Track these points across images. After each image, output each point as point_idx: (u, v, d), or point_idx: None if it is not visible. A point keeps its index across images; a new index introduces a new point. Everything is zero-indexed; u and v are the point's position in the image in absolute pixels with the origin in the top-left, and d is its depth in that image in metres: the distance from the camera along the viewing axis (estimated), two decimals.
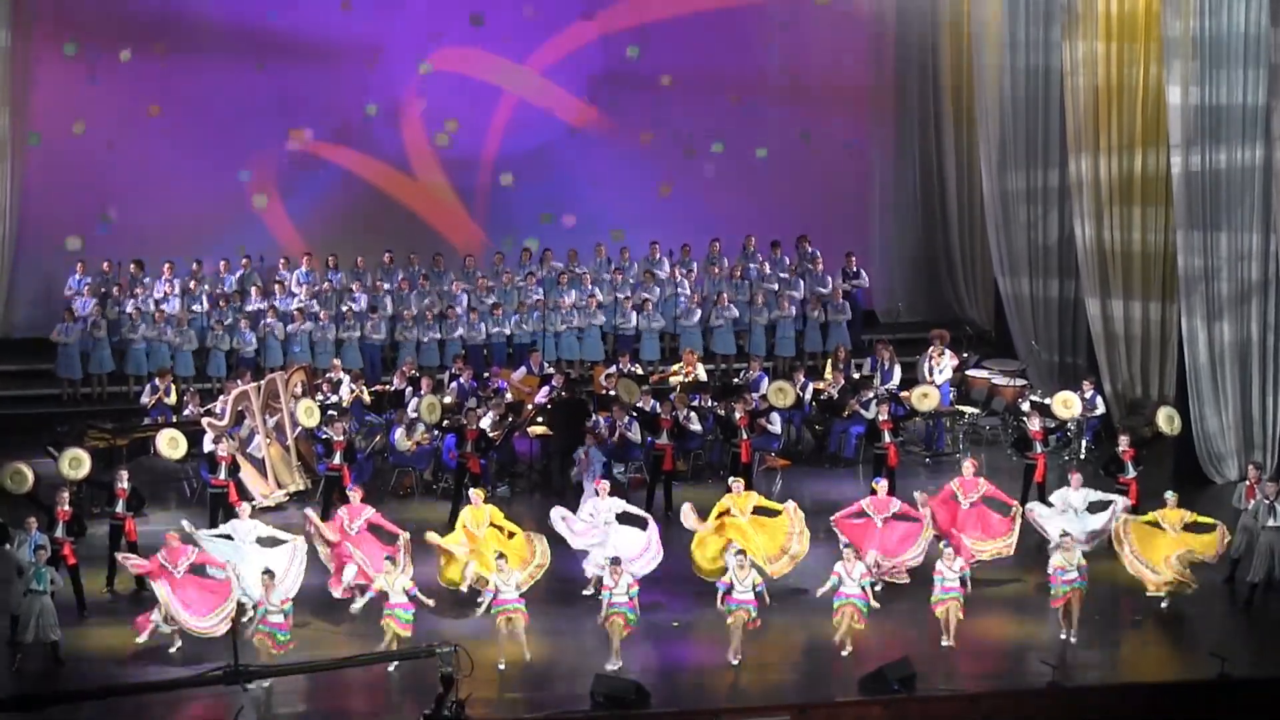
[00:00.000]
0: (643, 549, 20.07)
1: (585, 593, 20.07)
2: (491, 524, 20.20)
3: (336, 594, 19.94)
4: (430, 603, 19.02)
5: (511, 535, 20.18)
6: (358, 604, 19.70)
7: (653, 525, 20.43)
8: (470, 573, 19.71)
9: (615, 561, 19.01)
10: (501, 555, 19.33)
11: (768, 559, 20.06)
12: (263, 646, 18.21)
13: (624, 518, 20.44)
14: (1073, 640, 19.16)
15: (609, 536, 20.12)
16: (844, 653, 18.81)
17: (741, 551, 19.39)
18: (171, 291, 27.08)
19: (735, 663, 18.66)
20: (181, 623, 18.66)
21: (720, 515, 20.46)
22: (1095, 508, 20.68)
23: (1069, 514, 20.54)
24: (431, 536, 20.17)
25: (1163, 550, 19.87)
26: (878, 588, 19.59)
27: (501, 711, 17.61)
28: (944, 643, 19.05)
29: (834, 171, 30.41)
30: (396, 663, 18.16)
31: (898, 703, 17.74)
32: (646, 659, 18.71)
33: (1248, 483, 20.73)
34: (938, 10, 29.65)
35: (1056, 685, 18.02)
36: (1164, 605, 19.91)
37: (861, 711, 17.78)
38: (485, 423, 22.98)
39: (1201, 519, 20.20)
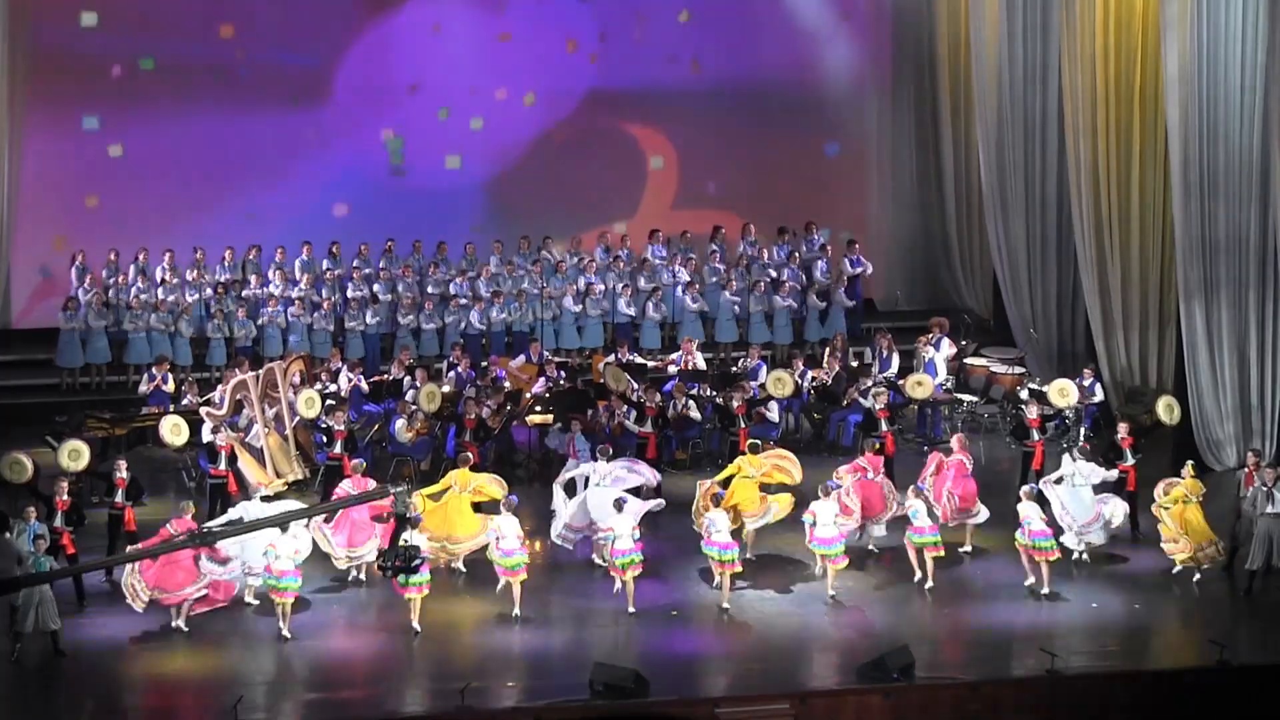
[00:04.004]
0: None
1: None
2: (476, 489, 20.62)
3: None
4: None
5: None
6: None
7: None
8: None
9: (619, 504, 19.68)
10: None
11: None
12: (279, 603, 18.84)
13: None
14: (1043, 591, 19.82)
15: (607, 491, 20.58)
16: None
17: (715, 497, 20.27)
18: (171, 280, 27.05)
19: (726, 607, 19.43)
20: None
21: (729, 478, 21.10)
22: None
23: (1069, 487, 20.83)
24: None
25: (1191, 519, 20.23)
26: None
27: (501, 700, 17.62)
28: (918, 579, 19.94)
29: (832, 160, 30.42)
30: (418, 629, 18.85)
31: (897, 691, 17.75)
32: (646, 647, 18.74)
33: (1246, 469, 20.77)
34: None
35: (1055, 673, 18.04)
36: (1195, 579, 20.29)
37: (861, 700, 17.80)
38: (485, 412, 23.04)
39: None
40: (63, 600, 18.76)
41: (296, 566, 18.98)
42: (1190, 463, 20.88)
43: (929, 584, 20.01)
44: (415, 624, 18.83)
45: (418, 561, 14.84)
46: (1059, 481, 20.85)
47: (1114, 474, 21.18)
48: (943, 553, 20.11)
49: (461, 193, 29.59)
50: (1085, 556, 20.74)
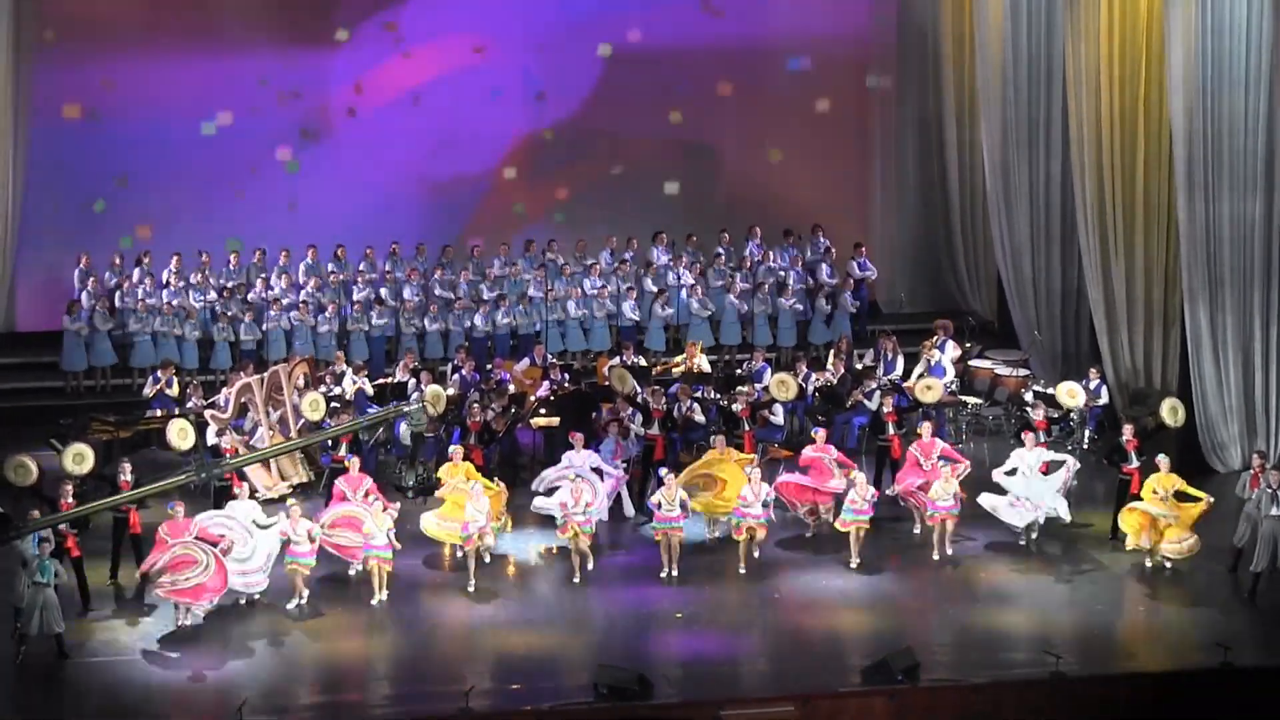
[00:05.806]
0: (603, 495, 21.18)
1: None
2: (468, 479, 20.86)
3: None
4: (398, 545, 20.03)
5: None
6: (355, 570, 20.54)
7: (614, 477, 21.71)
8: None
9: (578, 477, 20.61)
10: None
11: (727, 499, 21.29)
12: (294, 575, 19.65)
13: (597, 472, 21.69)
14: (940, 557, 20.87)
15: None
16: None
17: (670, 471, 20.85)
18: (176, 283, 27.07)
19: (663, 575, 20.37)
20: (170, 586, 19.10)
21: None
22: (1051, 467, 21.48)
23: (1022, 477, 21.30)
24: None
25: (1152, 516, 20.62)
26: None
27: (504, 702, 17.63)
28: (850, 562, 20.73)
29: (835, 161, 30.42)
30: (385, 595, 19.84)
31: (901, 693, 17.76)
32: (650, 650, 18.75)
33: (1251, 471, 20.75)
34: None
35: (1060, 675, 18.03)
36: (1148, 565, 20.70)
37: (865, 702, 17.81)
38: (489, 415, 23.07)
39: (1191, 490, 20.65)
40: (67, 603, 18.78)
41: (314, 541, 19.72)
42: (1163, 457, 20.90)
43: (855, 562, 20.72)
44: (378, 593, 19.82)
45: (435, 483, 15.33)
46: (1012, 473, 21.35)
47: (1062, 458, 21.57)
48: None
49: (466, 194, 29.65)
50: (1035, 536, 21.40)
